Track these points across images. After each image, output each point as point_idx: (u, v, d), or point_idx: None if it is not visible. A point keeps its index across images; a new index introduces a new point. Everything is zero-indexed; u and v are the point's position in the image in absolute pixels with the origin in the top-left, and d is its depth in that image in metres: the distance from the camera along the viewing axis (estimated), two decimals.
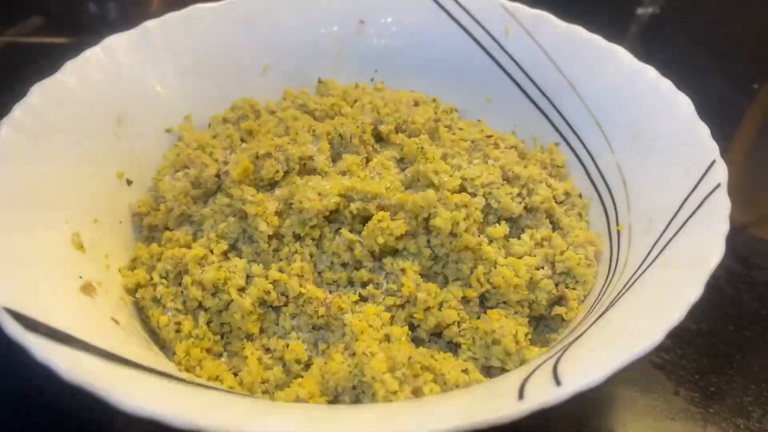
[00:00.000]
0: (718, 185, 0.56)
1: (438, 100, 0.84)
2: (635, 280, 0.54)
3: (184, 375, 0.49)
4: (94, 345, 0.45)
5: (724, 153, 0.60)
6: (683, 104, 0.65)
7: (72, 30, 1.28)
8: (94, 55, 0.71)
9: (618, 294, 0.54)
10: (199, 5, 0.80)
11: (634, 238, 0.61)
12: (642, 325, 0.46)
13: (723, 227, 0.52)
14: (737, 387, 0.67)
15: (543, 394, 0.41)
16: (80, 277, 0.55)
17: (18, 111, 0.61)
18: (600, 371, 0.42)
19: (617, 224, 0.65)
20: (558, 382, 0.42)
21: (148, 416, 0.40)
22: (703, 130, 0.62)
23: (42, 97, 0.63)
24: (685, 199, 0.58)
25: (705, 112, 0.65)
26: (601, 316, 0.52)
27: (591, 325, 0.51)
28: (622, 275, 0.58)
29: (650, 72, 0.70)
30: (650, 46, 1.23)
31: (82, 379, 0.41)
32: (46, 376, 0.42)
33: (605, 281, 0.61)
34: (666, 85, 0.68)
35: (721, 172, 0.57)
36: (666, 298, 0.48)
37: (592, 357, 0.45)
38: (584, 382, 0.42)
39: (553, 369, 0.45)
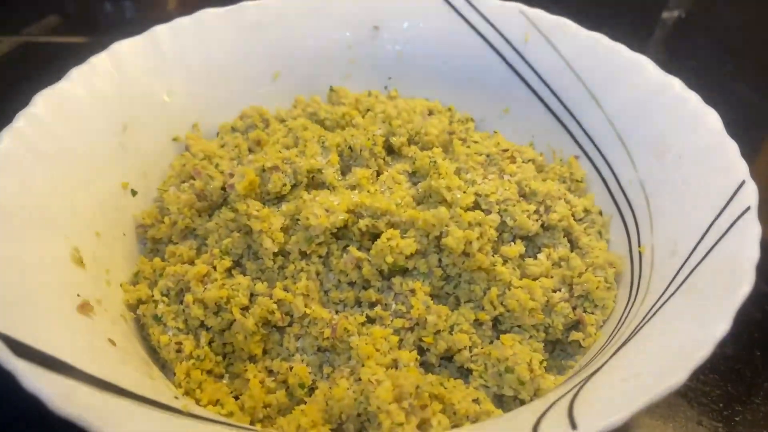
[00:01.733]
0: (748, 208, 0.53)
1: (453, 110, 0.81)
2: (658, 309, 0.51)
3: (181, 404, 0.47)
4: (87, 373, 0.43)
5: (752, 166, 0.56)
6: (711, 119, 0.62)
7: (88, 29, 1.28)
8: (99, 62, 0.69)
9: (639, 323, 0.51)
10: (209, 10, 0.78)
11: (658, 262, 0.58)
12: (665, 364, 0.43)
13: (753, 254, 0.49)
14: (764, 417, 0.63)
15: None
16: (78, 295, 0.53)
17: (20, 121, 0.59)
18: (618, 413, 0.39)
19: (639, 245, 0.62)
20: (574, 425, 0.40)
21: None
22: (732, 147, 0.59)
23: (45, 106, 0.62)
24: (713, 222, 0.54)
25: (731, 121, 0.62)
26: (621, 347, 0.49)
27: (610, 357, 0.48)
28: (644, 301, 0.55)
29: (676, 84, 0.66)
30: (675, 52, 1.19)
31: (73, 412, 0.39)
32: (36, 404, 0.40)
33: (626, 306, 0.58)
34: (693, 98, 0.64)
35: (751, 194, 0.54)
36: (691, 333, 0.45)
37: (611, 396, 0.42)
38: (601, 425, 0.39)
39: (569, 408, 0.42)
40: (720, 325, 0.44)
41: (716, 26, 1.27)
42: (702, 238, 0.54)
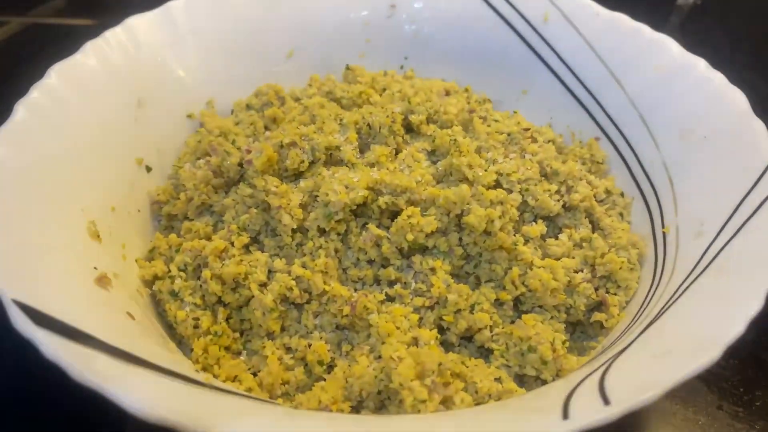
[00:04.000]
0: None
1: (470, 90, 0.80)
2: (686, 288, 0.50)
3: (201, 376, 0.47)
4: (107, 343, 0.43)
5: None
6: (737, 99, 0.61)
7: (95, 12, 1.26)
8: (114, 36, 0.68)
9: (667, 302, 0.50)
10: None
11: (683, 242, 0.57)
12: (698, 339, 0.42)
13: None
14: None
15: (591, 413, 0.38)
16: (95, 268, 0.52)
17: (35, 93, 0.58)
18: (653, 389, 0.39)
19: (663, 226, 0.61)
20: (606, 401, 0.39)
21: (161, 422, 0.37)
22: (760, 127, 0.58)
23: (60, 78, 0.61)
24: (740, 203, 0.54)
25: None
26: (649, 325, 0.48)
27: (638, 335, 0.47)
28: (669, 282, 0.54)
29: (701, 64, 0.65)
30: (690, 38, 1.18)
31: (94, 381, 0.39)
32: (56, 373, 0.40)
33: (650, 287, 0.57)
34: (718, 78, 0.63)
35: None
36: (723, 310, 0.44)
37: (644, 372, 0.41)
38: (636, 400, 0.38)
39: (599, 384, 0.41)
40: (753, 303, 0.43)
41: (731, 13, 1.25)
42: (729, 218, 0.53)
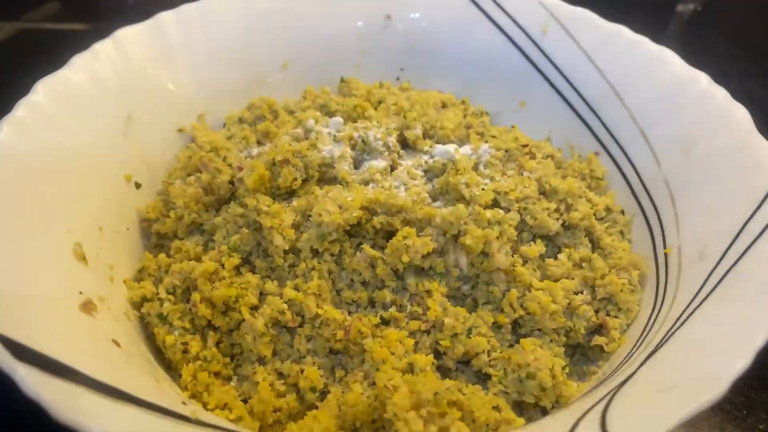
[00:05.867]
0: None
1: (467, 102, 0.79)
2: (690, 315, 0.48)
3: (188, 410, 0.45)
4: (90, 377, 0.41)
5: None
6: (740, 116, 0.59)
7: (88, 16, 1.24)
8: (103, 49, 0.66)
9: (671, 329, 0.48)
10: None
11: (685, 264, 0.55)
12: (703, 373, 0.41)
13: None
14: None
15: None
16: (80, 293, 0.51)
17: (20, 109, 0.57)
18: (656, 428, 0.37)
19: (665, 246, 0.60)
20: None
21: None
22: (764, 145, 0.56)
23: (46, 94, 0.59)
24: (745, 224, 0.52)
25: None
26: (652, 354, 0.47)
27: (641, 364, 0.46)
28: (672, 305, 0.52)
29: (703, 79, 0.64)
30: (690, 46, 1.16)
31: (78, 421, 0.37)
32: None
33: (651, 311, 0.56)
34: (721, 94, 0.62)
35: None
36: (728, 341, 0.43)
37: (647, 409, 0.40)
38: None
39: (601, 420, 0.40)
40: (759, 333, 0.42)
41: (732, 21, 1.24)
42: (734, 240, 0.52)
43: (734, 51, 1.15)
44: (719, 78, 0.64)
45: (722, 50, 1.15)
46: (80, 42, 0.66)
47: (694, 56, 0.68)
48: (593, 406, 0.42)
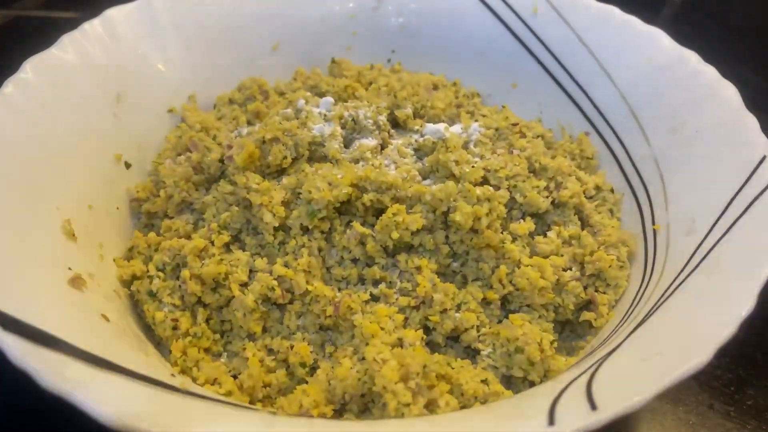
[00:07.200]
0: None
1: (459, 84, 0.79)
2: (677, 288, 0.49)
3: (178, 381, 0.45)
4: (78, 348, 0.41)
5: None
6: (729, 94, 0.60)
7: (78, 4, 1.24)
8: (92, 29, 0.66)
9: (657, 302, 0.49)
10: None
11: (673, 240, 0.56)
12: (688, 342, 0.41)
13: None
14: None
15: (577, 418, 0.37)
16: (69, 268, 0.51)
17: (9, 87, 0.57)
18: (641, 393, 0.37)
19: (653, 223, 0.60)
20: (593, 405, 0.38)
21: (130, 430, 0.36)
22: (752, 122, 0.57)
23: (35, 72, 0.59)
24: (732, 199, 0.52)
25: None
26: (638, 326, 0.47)
27: (627, 336, 0.46)
28: (660, 280, 0.53)
29: (692, 58, 0.64)
30: (682, 31, 1.17)
31: (64, 389, 0.37)
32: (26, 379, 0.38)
33: (639, 286, 0.56)
34: (710, 72, 0.62)
35: None
36: (715, 311, 0.43)
37: (632, 376, 0.40)
38: (623, 405, 0.37)
39: (586, 388, 0.40)
40: (745, 303, 0.42)
41: (724, 7, 1.24)
42: (721, 215, 0.52)
43: (727, 36, 1.15)
44: (711, 63, 0.64)
45: (715, 36, 1.15)
46: (69, 29, 0.65)
47: (686, 42, 0.68)
48: (579, 376, 0.42)
